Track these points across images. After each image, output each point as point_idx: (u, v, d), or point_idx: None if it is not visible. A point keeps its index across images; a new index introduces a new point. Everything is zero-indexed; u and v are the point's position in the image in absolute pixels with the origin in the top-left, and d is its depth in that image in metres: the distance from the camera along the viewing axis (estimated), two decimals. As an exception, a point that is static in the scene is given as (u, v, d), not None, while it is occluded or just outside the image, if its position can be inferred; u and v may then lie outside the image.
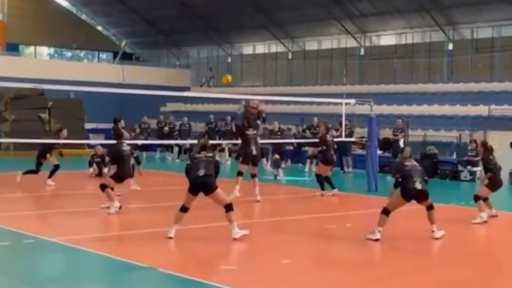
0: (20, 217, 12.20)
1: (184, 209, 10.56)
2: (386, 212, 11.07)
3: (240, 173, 14.81)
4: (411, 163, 11.46)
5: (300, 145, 24.65)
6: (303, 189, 17.86)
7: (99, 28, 46.01)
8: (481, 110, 24.85)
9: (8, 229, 11.09)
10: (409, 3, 31.31)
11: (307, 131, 24.60)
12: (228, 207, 10.49)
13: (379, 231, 10.86)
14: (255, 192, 14.84)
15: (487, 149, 13.47)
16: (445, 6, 31.02)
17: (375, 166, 17.98)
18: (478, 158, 20.98)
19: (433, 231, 11.09)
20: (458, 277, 8.72)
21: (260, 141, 16.27)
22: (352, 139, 21.64)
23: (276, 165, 20.68)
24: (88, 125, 31.93)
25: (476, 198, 13.10)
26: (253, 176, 14.99)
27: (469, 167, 21.41)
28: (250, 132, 14.92)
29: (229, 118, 28.21)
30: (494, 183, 13.18)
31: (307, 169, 23.54)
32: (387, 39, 35.01)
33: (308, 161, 23.85)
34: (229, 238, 10.83)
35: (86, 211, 13.26)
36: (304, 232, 11.61)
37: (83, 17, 45.25)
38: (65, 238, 10.35)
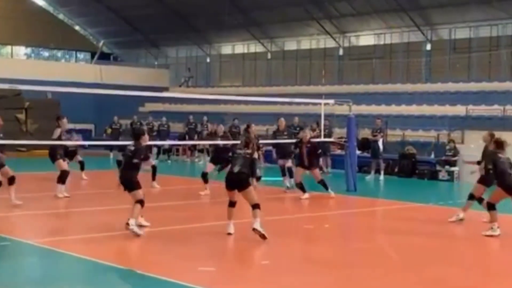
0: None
1: (231, 204, 10.98)
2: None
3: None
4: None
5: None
6: (280, 190, 17.84)
7: (77, 27, 45.70)
8: (459, 110, 25.03)
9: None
10: (387, 4, 31.46)
11: (288, 129, 24.56)
12: (256, 206, 10.78)
13: (498, 227, 11.24)
14: None
15: (499, 144, 11.68)
16: (423, 6, 31.20)
17: (354, 166, 18.02)
18: (456, 158, 21.26)
19: None
20: (439, 274, 8.75)
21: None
22: (331, 139, 21.67)
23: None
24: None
25: (471, 196, 12.60)
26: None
27: (447, 166, 21.55)
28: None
29: (205, 118, 28.15)
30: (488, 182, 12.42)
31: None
32: (366, 39, 35.14)
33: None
34: (207, 239, 10.79)
35: (59, 213, 13.16)
36: (282, 233, 11.59)
37: (60, 16, 44.91)
38: (40, 240, 10.24)
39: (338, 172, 21.37)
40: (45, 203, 14.47)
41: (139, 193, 10.77)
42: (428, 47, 32.35)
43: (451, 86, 28.33)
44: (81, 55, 46.36)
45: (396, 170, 22.84)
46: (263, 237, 10.43)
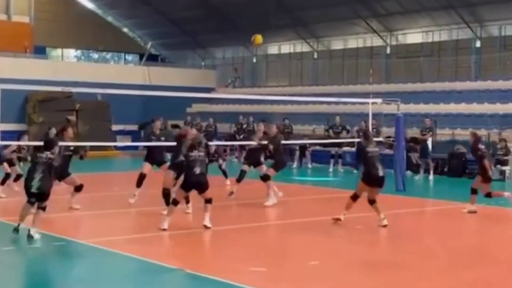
0: (50, 219, 12.32)
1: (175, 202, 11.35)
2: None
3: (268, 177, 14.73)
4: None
5: (324, 145, 24.66)
6: (329, 189, 17.81)
7: (125, 30, 46.32)
8: (510, 108, 24.57)
9: (38, 232, 11.22)
10: (435, 1, 31.07)
11: (330, 131, 24.57)
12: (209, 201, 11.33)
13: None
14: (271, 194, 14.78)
15: None
16: (472, 3, 30.72)
17: (402, 165, 17.87)
18: (507, 157, 20.90)
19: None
20: (490, 276, 8.64)
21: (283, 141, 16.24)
22: (379, 139, 21.53)
23: None
24: (115, 127, 32.21)
25: None
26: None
27: (498, 166, 21.19)
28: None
29: (251, 118, 28.23)
30: None
31: (331, 169, 23.55)
32: (413, 37, 34.76)
33: (332, 161, 23.85)
34: (258, 240, 10.86)
35: (113, 213, 13.38)
36: (331, 233, 11.59)
37: (109, 19, 45.58)
38: (94, 240, 10.45)
39: (387, 172, 21.20)
40: (99, 203, 14.74)
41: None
42: (478, 44, 31.83)
43: (501, 84, 27.81)
44: (129, 57, 46.97)
45: (445, 169, 22.56)
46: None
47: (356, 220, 12.98)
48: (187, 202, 12.87)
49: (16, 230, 10.65)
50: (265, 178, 14.49)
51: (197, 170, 11.18)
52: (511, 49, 30.30)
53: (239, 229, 11.37)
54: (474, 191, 14.02)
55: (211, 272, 8.53)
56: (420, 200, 16.71)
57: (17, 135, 16.40)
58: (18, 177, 15.88)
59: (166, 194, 12.59)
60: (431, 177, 21.27)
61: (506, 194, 14.06)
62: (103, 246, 10.03)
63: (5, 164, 15.86)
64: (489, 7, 30.42)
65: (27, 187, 10.70)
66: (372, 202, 12.10)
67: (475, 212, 13.70)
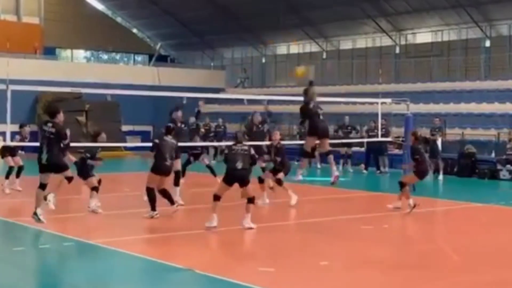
0: (59, 219, 12.37)
1: (217, 198, 11.36)
2: None
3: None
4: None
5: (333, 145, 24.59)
6: (338, 189, 17.77)
7: (134, 30, 46.44)
8: (520, 107, 24.49)
9: (48, 232, 11.28)
10: (444, 0, 30.98)
11: (339, 131, 24.53)
12: (251, 200, 11.39)
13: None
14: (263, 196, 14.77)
15: None
16: (482, 2, 30.60)
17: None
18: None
19: None
20: (498, 277, 8.61)
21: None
22: (389, 139, 21.49)
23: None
24: (125, 128, 32.29)
25: None
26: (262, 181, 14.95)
27: (508, 166, 21.10)
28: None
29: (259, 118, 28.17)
30: None
31: (340, 169, 23.51)
32: (423, 37, 34.68)
33: (341, 161, 23.83)
34: (267, 240, 10.85)
35: (123, 213, 13.41)
36: (340, 233, 11.58)
37: (119, 20, 45.70)
38: (103, 240, 10.47)
39: (396, 172, 21.16)
40: (108, 204, 14.77)
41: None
42: (487, 43, 31.72)
43: (511, 83, 27.70)
44: (139, 58, 47.08)
45: (455, 169, 22.48)
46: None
47: (365, 220, 12.96)
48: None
49: (35, 214, 10.98)
50: (279, 182, 14.43)
51: (239, 164, 11.29)
52: (521, 48, 30.20)
53: (247, 230, 11.36)
54: (403, 185, 13.85)
55: (220, 272, 8.53)
56: (430, 200, 16.65)
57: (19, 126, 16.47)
58: (20, 170, 16.01)
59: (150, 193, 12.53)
60: (440, 177, 21.21)
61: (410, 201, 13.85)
62: (113, 246, 10.05)
63: (9, 157, 16.01)
64: (499, 6, 30.29)
65: (38, 160, 11.00)
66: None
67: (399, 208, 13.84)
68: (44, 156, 10.86)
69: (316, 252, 10.11)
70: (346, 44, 38.09)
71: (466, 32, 32.48)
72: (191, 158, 17.20)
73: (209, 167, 17.73)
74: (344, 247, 10.52)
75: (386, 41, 35.72)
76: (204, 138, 28.23)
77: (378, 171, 23.07)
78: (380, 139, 19.69)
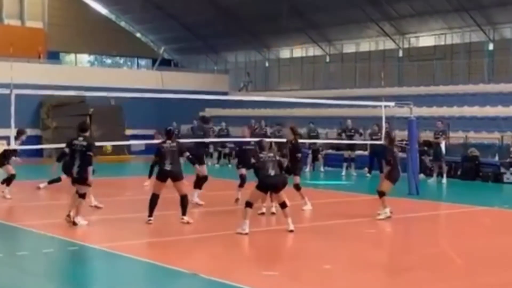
0: (63, 224, 12.39)
1: (250, 204, 11.40)
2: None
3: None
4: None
5: (337, 148, 24.70)
6: (341, 193, 17.79)
7: (138, 34, 46.53)
8: (524, 110, 24.45)
9: (52, 236, 11.30)
10: (447, 3, 30.98)
11: (343, 134, 24.54)
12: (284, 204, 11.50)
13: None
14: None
15: None
16: (485, 5, 30.61)
17: (415, 169, 17.82)
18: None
19: None
20: (500, 280, 8.60)
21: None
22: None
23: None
24: (128, 132, 32.32)
25: None
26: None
27: (511, 169, 21.07)
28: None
29: (263, 122, 28.30)
30: None
31: (343, 172, 23.54)
32: (426, 40, 34.69)
33: (345, 164, 23.86)
34: (268, 243, 10.86)
35: (127, 218, 13.42)
36: (344, 237, 11.58)
37: (122, 24, 45.80)
38: (108, 244, 10.49)
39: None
40: (112, 208, 14.80)
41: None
42: (491, 46, 31.71)
43: (514, 87, 27.69)
44: (142, 62, 47.16)
45: (459, 173, 22.46)
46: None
47: (368, 224, 12.96)
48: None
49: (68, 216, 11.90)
50: (297, 187, 14.37)
51: (271, 171, 11.43)
52: (525, 51, 30.17)
53: (251, 234, 11.38)
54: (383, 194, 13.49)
55: (224, 276, 8.54)
56: (433, 203, 16.65)
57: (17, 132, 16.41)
58: (11, 178, 15.99)
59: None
60: (444, 180, 21.19)
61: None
62: (117, 250, 10.07)
63: (8, 165, 16.01)
64: (502, 9, 30.30)
65: (71, 173, 12.31)
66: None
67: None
68: (76, 170, 12.05)
69: (319, 255, 10.11)
70: (349, 48, 38.12)
71: (469, 35, 32.48)
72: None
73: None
74: (347, 250, 10.53)
75: (389, 45, 35.74)
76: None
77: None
78: (383, 142, 19.65)
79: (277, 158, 11.74)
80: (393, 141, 13.56)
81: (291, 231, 11.42)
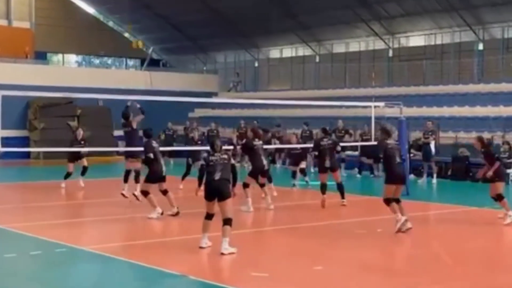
0: (51, 226, 12.36)
1: (208, 216, 10.43)
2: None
3: (246, 185, 14.66)
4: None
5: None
6: (331, 193, 17.78)
7: (126, 35, 46.42)
8: (513, 110, 24.57)
9: (40, 238, 11.26)
10: (437, 3, 31.10)
11: (333, 135, 24.54)
12: (228, 221, 10.13)
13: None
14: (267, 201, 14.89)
15: None
16: (475, 5, 30.75)
17: (405, 169, 17.84)
18: (511, 160, 20.89)
19: None
20: (494, 282, 8.64)
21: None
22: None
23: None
24: (116, 133, 32.21)
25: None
26: (262, 185, 15.06)
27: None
28: (257, 143, 14.95)
29: (255, 122, 28.29)
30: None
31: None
32: (416, 40, 34.80)
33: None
34: (257, 244, 10.87)
35: (116, 219, 13.40)
36: (334, 238, 11.60)
37: (110, 24, 45.69)
38: (96, 246, 10.47)
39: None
40: (100, 209, 14.76)
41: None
42: (480, 46, 31.86)
43: (504, 87, 27.80)
44: (130, 62, 47.06)
45: (449, 173, 22.56)
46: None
47: (359, 225, 12.99)
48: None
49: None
50: (245, 185, 14.51)
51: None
52: (514, 51, 30.32)
53: (241, 235, 11.39)
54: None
55: (213, 278, 8.55)
56: (423, 204, 16.70)
57: None
58: None
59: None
60: (434, 180, 21.28)
61: None
62: (105, 252, 10.05)
63: None
64: (492, 9, 30.44)
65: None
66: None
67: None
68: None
69: (310, 256, 10.13)
70: (339, 48, 38.19)
71: (459, 35, 32.62)
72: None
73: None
74: (338, 251, 10.55)
75: (379, 45, 35.84)
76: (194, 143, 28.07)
77: (372, 175, 23.12)
78: (374, 143, 19.73)
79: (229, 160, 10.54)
80: (389, 134, 12.69)
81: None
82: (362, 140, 22.03)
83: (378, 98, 24.95)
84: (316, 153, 15.73)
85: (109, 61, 46.98)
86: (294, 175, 19.55)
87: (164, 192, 13.32)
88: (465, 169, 22.22)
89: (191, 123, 29.66)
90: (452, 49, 32.86)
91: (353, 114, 28.20)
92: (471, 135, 24.22)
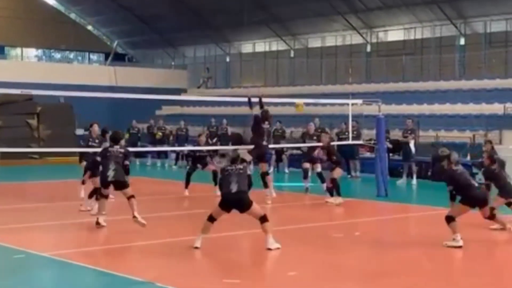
0: (8, 230, 12.19)
1: (211, 219, 10.68)
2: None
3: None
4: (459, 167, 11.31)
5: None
6: (307, 195, 17.84)
7: (89, 27, 46.12)
8: (496, 108, 24.85)
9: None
10: (417, -4, 31.40)
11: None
12: (263, 219, 10.56)
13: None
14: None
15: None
16: (456, -2, 31.08)
17: (384, 170, 17.97)
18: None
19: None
20: (474, 285, 8.72)
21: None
22: (360, 142, 21.63)
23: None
24: (79, 131, 31.96)
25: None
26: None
27: (483, 169, 21.35)
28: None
29: (225, 121, 28.29)
30: None
31: (309, 173, 23.58)
32: (395, 34, 35.06)
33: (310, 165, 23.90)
34: (230, 250, 10.84)
35: (78, 223, 13.27)
36: (309, 242, 11.60)
37: (72, 16, 45.35)
38: (57, 252, 10.35)
39: (368, 176, 21.32)
40: (59, 213, 14.62)
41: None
42: (462, 41, 32.18)
43: (487, 83, 28.13)
44: (94, 57, 46.77)
45: (429, 173, 22.71)
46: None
47: (336, 228, 13.03)
48: None
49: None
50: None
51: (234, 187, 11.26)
52: (497, 46, 30.67)
53: (212, 239, 11.34)
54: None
55: (183, 285, 8.49)
56: (403, 205, 16.80)
57: None
58: None
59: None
60: (414, 181, 21.42)
61: None
62: (66, 259, 9.94)
63: None
64: (473, 2, 30.79)
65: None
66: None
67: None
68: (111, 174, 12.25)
69: (284, 262, 10.12)
70: (315, 42, 38.34)
71: (440, 29, 32.93)
72: (198, 166, 17.74)
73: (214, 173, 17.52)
74: (314, 256, 10.55)
75: (356, 39, 36.02)
76: (161, 142, 28.04)
77: (349, 176, 23.20)
78: (351, 142, 19.81)
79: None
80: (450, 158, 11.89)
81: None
82: (339, 139, 22.09)
83: (355, 95, 25.10)
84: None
85: (71, 55, 46.63)
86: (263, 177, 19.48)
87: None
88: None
89: (155, 121, 29.56)
90: (433, 44, 33.16)
91: (330, 112, 28.33)
92: (452, 134, 24.49)
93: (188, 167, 18.43)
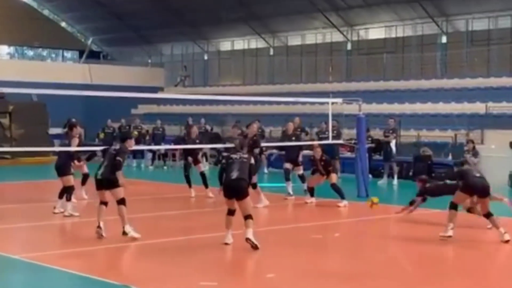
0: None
1: (229, 212, 10.98)
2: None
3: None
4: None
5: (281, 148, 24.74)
6: (285, 196, 17.84)
7: (63, 24, 45.83)
8: (478, 107, 25.04)
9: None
10: (399, -7, 31.54)
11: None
12: (250, 216, 10.83)
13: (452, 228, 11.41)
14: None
15: None
16: (438, -4, 31.27)
17: (365, 170, 18.04)
18: (477, 159, 21.25)
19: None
20: (463, 285, 8.80)
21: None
22: (340, 142, 21.68)
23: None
24: (52, 130, 31.75)
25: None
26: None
27: (466, 169, 21.51)
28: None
29: (203, 120, 28.23)
30: None
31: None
32: (376, 32, 35.20)
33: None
34: (208, 251, 10.83)
35: (51, 225, 13.19)
36: (288, 244, 11.62)
37: (45, 12, 45.04)
38: (28, 255, 10.28)
39: (348, 177, 21.38)
40: (31, 214, 14.52)
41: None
42: (444, 39, 32.39)
43: (469, 82, 28.34)
44: (68, 54, 46.50)
45: (410, 173, 22.82)
46: (255, 247, 10.59)
47: (315, 229, 13.05)
48: None
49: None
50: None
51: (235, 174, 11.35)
52: (479, 44, 30.90)
53: (190, 240, 11.34)
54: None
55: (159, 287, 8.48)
56: (384, 206, 16.85)
57: None
58: None
59: None
60: (395, 181, 21.52)
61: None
62: (39, 261, 9.88)
63: None
64: (455, 0, 31.00)
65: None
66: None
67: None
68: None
69: (262, 263, 10.13)
70: (294, 40, 38.40)
71: (422, 27, 33.12)
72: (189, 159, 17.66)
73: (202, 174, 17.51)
74: (292, 258, 10.57)
75: (337, 37, 36.12)
76: (137, 141, 27.87)
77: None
78: (331, 141, 19.85)
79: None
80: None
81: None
82: (319, 139, 22.12)
83: (336, 94, 25.15)
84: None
85: (44, 52, 46.31)
86: None
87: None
88: (427, 169, 22.49)
89: (129, 120, 29.42)
90: (414, 42, 33.35)
91: (309, 111, 28.39)
92: (434, 133, 24.65)
93: (182, 168, 18.33)
